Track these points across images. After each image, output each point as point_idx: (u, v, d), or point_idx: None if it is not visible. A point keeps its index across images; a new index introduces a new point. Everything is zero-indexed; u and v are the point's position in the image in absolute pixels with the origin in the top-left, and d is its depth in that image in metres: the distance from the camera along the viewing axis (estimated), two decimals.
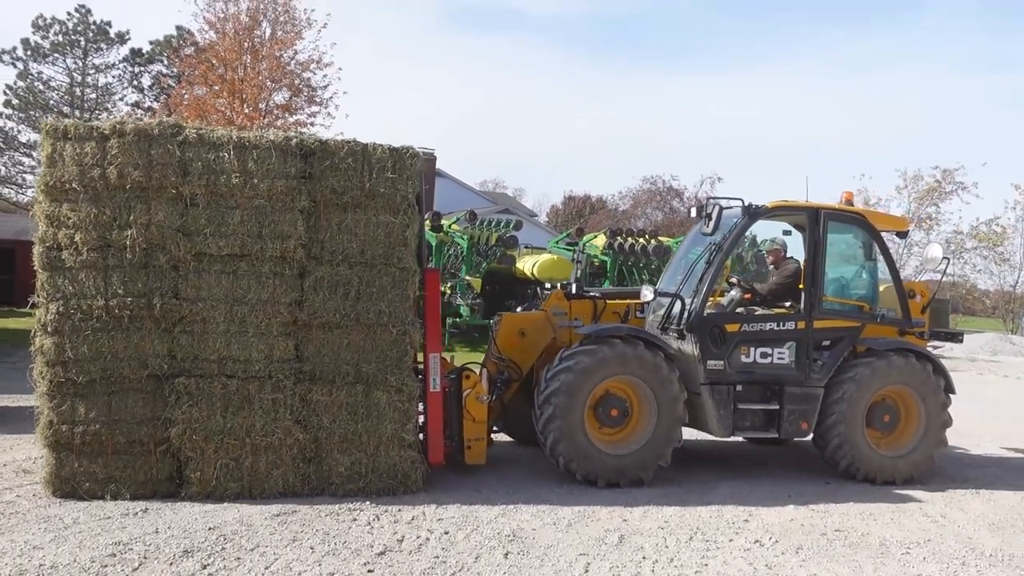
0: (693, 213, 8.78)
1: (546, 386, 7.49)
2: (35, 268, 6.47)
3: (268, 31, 28.39)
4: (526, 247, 26.94)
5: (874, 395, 8.17)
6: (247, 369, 6.71)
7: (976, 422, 13.00)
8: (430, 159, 40.70)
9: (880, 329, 8.49)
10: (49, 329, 6.49)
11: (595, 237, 25.06)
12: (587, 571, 5.51)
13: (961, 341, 10.11)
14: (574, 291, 8.54)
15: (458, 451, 7.65)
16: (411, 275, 6.95)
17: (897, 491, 8.09)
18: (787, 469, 8.88)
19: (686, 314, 7.88)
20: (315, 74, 28.51)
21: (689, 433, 9.26)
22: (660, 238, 23.80)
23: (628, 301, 8.61)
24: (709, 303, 8.15)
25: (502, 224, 24.39)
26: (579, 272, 8.93)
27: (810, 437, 8.42)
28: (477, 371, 7.90)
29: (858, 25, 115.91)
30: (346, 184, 6.71)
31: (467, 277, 22.01)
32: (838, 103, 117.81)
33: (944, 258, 9.15)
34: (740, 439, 10.13)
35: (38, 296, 6.51)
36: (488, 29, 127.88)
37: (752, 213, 8.15)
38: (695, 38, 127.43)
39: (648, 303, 8.39)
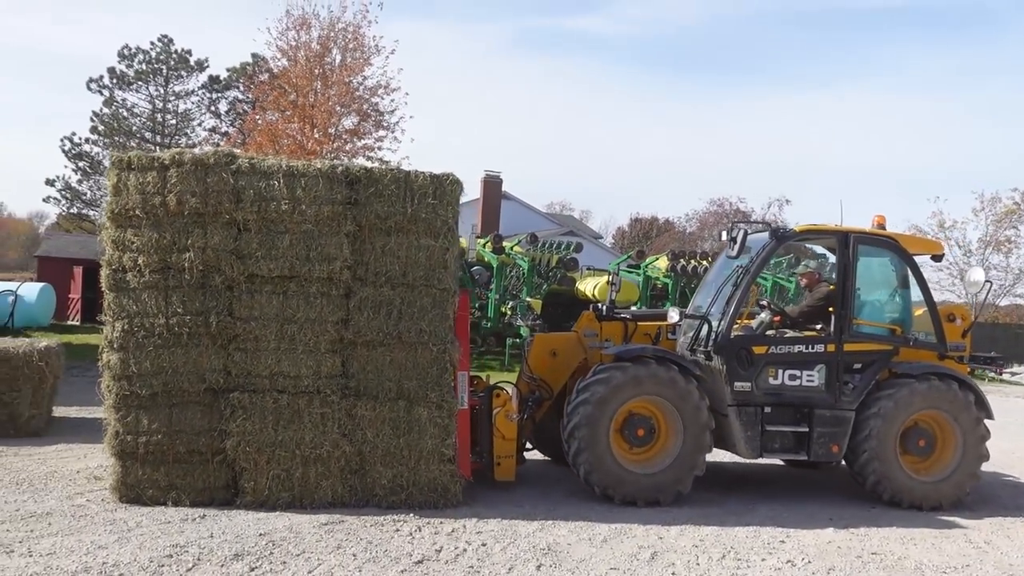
0: (724, 236, 8.89)
1: (574, 401, 7.67)
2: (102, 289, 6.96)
3: (338, 58, 29.16)
4: (588, 269, 27.10)
5: (907, 419, 8.10)
6: (297, 384, 7.07)
7: None
8: (496, 181, 41.23)
9: (918, 353, 8.44)
10: (115, 345, 6.97)
11: (657, 259, 25.10)
12: None
13: (1001, 367, 9.94)
14: (604, 313, 8.70)
15: (488, 468, 7.87)
16: (451, 296, 7.24)
17: (942, 517, 8.01)
18: (831, 493, 8.83)
19: (713, 336, 7.97)
20: (383, 99, 29.16)
21: (733, 457, 9.36)
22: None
23: (659, 323, 8.72)
24: (738, 325, 8.22)
25: (563, 246, 24.61)
26: (614, 295, 9.10)
27: (842, 461, 8.39)
28: (508, 390, 8.10)
29: (933, 44, 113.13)
30: (389, 209, 7.04)
31: (527, 298, 22.26)
32: (912, 122, 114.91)
33: (987, 281, 9.05)
34: (780, 463, 10.17)
35: (105, 315, 6.99)
36: (557, 51, 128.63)
37: (780, 237, 8.23)
38: (769, 59, 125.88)
39: (679, 325, 8.50)
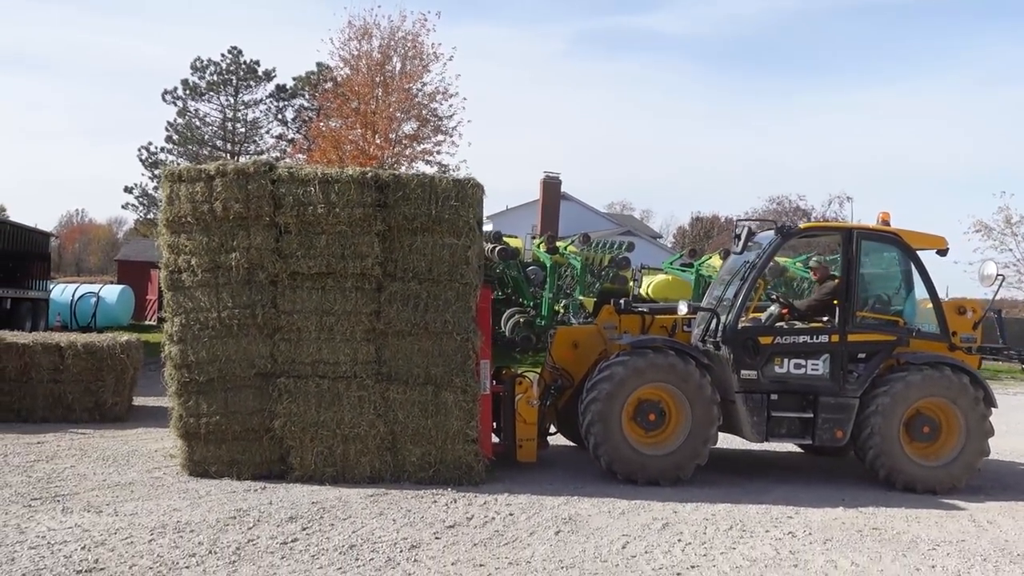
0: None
1: (587, 395, 8.23)
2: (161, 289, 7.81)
3: (398, 66, 30.05)
4: (643, 268, 27.47)
5: (910, 407, 8.44)
6: (336, 370, 7.83)
7: None
8: (555, 183, 41.77)
9: (927, 344, 8.76)
10: (175, 338, 7.84)
11: (710, 258, 25.36)
12: (624, 548, 6.23)
13: (1011, 358, 10.15)
14: (623, 307, 9.22)
15: (511, 450, 8.48)
16: (473, 290, 7.89)
17: (953, 499, 8.32)
18: (850, 478, 9.15)
19: (721, 327, 8.43)
20: (441, 105, 29.94)
21: (760, 445, 9.81)
22: (777, 259, 23.81)
23: (675, 316, 9.19)
24: (747, 317, 8.65)
25: (615, 246, 25.04)
26: (638, 290, 9.60)
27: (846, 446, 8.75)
28: (530, 378, 8.68)
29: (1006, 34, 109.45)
30: (416, 211, 7.73)
31: (580, 297, 22.77)
32: (981, 116, 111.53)
33: (999, 275, 9.28)
34: (801, 452, 10.54)
35: (165, 312, 7.84)
36: (617, 50, 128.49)
37: (784, 234, 8.66)
38: (836, 55, 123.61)
39: (693, 318, 8.97)
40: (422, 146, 29.79)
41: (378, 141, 29.16)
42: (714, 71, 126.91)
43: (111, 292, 24.51)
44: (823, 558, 6.21)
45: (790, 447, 10.79)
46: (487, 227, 42.39)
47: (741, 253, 8.63)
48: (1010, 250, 38.65)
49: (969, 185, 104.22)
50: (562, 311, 22.40)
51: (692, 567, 5.80)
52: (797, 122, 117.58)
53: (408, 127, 30.05)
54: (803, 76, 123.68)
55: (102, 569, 5.13)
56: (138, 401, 11.84)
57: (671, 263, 25.96)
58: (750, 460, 10.22)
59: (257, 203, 7.67)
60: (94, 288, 24.69)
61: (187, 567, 5.24)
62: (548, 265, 23.14)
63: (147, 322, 27.49)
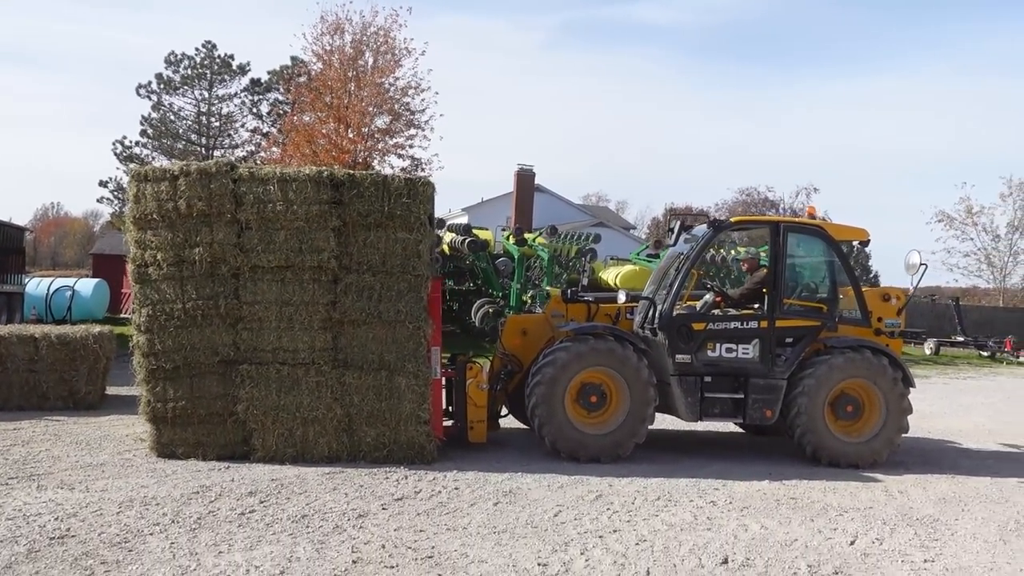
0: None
1: (531, 378, 8.81)
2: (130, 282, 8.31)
3: (371, 60, 30.40)
4: (611, 259, 28.07)
5: (834, 388, 9.08)
6: (295, 357, 8.35)
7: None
8: (529, 175, 42.22)
9: (852, 329, 9.40)
10: (142, 328, 8.34)
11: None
12: (556, 516, 6.78)
13: (922, 337, 10.84)
14: (570, 296, 9.81)
15: (463, 431, 9.05)
16: (424, 281, 8.43)
17: (873, 473, 8.96)
18: (782, 455, 9.76)
19: (657, 314, 9.03)
20: (413, 99, 30.35)
21: (705, 426, 10.46)
22: (740, 248, 24.51)
23: (620, 305, 9.77)
24: (682, 305, 9.25)
25: (582, 237, 25.64)
26: (586, 280, 10.17)
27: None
28: (480, 363, 9.25)
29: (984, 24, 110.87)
30: (369, 208, 8.25)
31: (547, 288, 23.35)
32: (945, 108, 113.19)
33: (922, 264, 9.93)
34: (740, 431, 11.20)
35: (133, 303, 8.34)
36: (600, 41, 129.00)
37: (716, 227, 9.25)
38: (811, 44, 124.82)
39: (636, 306, 9.57)
40: (394, 140, 30.22)
41: (351, 135, 29.52)
42: (694, 62, 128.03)
43: (86, 286, 24.79)
44: (736, 523, 6.81)
45: (732, 428, 11.46)
46: (461, 219, 43.05)
47: (674, 245, 9.23)
48: (971, 239, 39.71)
49: (932, 176, 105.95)
50: (530, 301, 22.98)
51: (614, 531, 6.38)
52: (772, 113, 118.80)
53: (381, 121, 30.45)
54: (780, 66, 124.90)
55: (73, 536, 5.65)
56: (111, 390, 12.30)
57: (638, 254, 26.60)
58: (694, 440, 10.86)
59: (219, 201, 8.16)
60: (69, 282, 24.96)
61: (151, 534, 5.77)
62: (516, 256, 23.73)
63: (122, 315, 27.78)
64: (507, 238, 24.69)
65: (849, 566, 5.80)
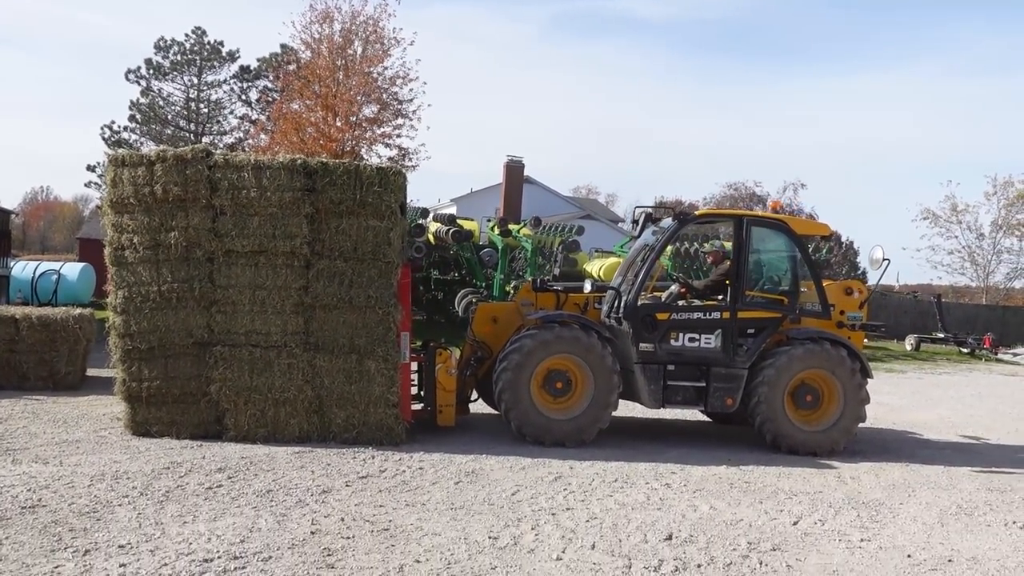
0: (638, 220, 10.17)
1: (499, 365, 9.05)
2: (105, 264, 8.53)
3: (359, 49, 30.54)
4: (596, 251, 28.32)
5: (793, 378, 9.33)
6: (267, 340, 8.58)
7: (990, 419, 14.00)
8: (518, 166, 42.44)
9: (813, 321, 9.67)
10: (118, 310, 8.56)
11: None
12: (514, 495, 7.05)
13: (882, 330, 11.12)
14: (539, 285, 10.06)
15: (432, 415, 9.30)
16: (394, 268, 8.65)
17: (831, 461, 9.21)
18: (744, 444, 9.98)
19: (622, 304, 9.28)
20: (401, 89, 30.50)
21: (672, 414, 10.72)
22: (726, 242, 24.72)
23: (588, 295, 10.01)
24: (647, 295, 9.50)
25: (565, 229, 25.89)
26: (558, 270, 10.40)
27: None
28: (449, 349, 9.49)
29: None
30: (342, 196, 8.47)
31: (530, 279, 23.60)
32: (932, 107, 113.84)
33: (885, 259, 10.19)
34: (707, 419, 11.47)
35: (109, 285, 8.56)
36: (592, 34, 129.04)
37: (681, 220, 9.50)
38: (803, 40, 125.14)
39: (603, 296, 9.82)
40: (382, 129, 30.36)
41: (339, 124, 29.65)
42: (686, 56, 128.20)
43: (72, 270, 24.91)
44: (686, 503, 7.08)
45: (700, 417, 11.73)
46: (450, 210, 43.17)
47: (638, 237, 9.47)
48: (955, 237, 40.11)
49: (917, 173, 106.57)
50: (512, 292, 23.22)
51: (567, 509, 6.64)
52: (762, 108, 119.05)
53: (368, 110, 30.56)
54: (771, 62, 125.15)
55: (44, 506, 5.88)
56: (92, 372, 12.49)
57: (622, 246, 26.86)
58: (660, 428, 11.13)
59: (195, 186, 8.37)
60: (55, 266, 25.09)
61: (119, 505, 6.00)
62: (500, 247, 23.97)
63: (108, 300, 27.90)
64: (492, 229, 24.96)
65: (788, 543, 6.07)
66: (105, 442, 8.24)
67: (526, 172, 43.40)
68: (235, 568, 4.87)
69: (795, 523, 6.65)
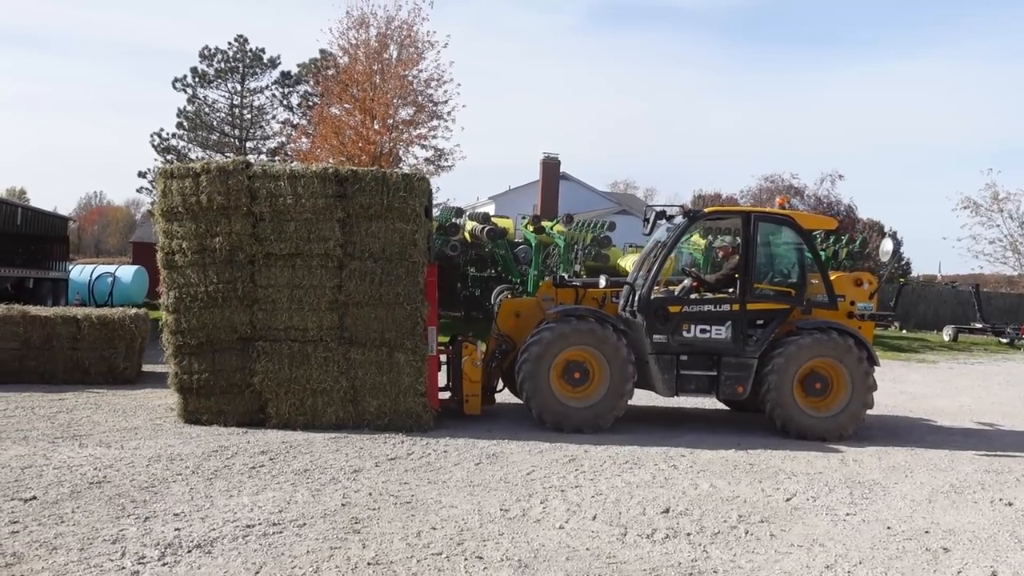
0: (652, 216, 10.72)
1: (520, 356, 9.68)
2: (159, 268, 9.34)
3: (395, 53, 31.36)
4: (630, 245, 28.81)
5: (802, 366, 9.81)
6: (304, 335, 9.30)
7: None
8: (554, 163, 43.01)
9: (821, 312, 10.13)
10: (170, 309, 9.36)
11: (692, 235, 26.62)
12: (529, 474, 7.66)
13: (889, 323, 11.51)
14: (559, 281, 10.67)
15: (459, 404, 9.96)
16: (420, 267, 9.32)
17: (839, 445, 9.65)
18: (758, 431, 10.45)
19: (636, 298, 9.84)
20: (436, 90, 31.25)
21: (690, 402, 11.24)
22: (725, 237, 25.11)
23: (605, 289, 10.59)
24: (661, 289, 10.04)
25: (597, 225, 26.43)
26: (578, 267, 10.98)
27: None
28: (474, 343, 10.12)
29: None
30: (370, 201, 9.16)
31: (563, 274, 24.21)
32: (975, 93, 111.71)
33: (895, 251, 10.61)
34: (725, 408, 11.98)
35: (161, 287, 9.37)
36: (627, 26, 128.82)
37: (692, 217, 10.03)
38: (850, 26, 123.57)
39: (619, 290, 10.39)
40: (418, 131, 31.14)
41: (376, 127, 30.47)
42: (725, 46, 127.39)
43: (126, 272, 26.11)
44: (688, 481, 7.65)
45: (718, 405, 12.25)
46: (488, 207, 43.78)
47: (649, 234, 10.04)
48: (997, 226, 39.79)
49: (958, 161, 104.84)
50: None
51: (576, 487, 7.25)
52: (803, 97, 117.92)
53: (405, 113, 31.33)
54: (809, 49, 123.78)
55: (109, 482, 6.65)
56: (147, 367, 13.39)
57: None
58: (677, 415, 11.67)
59: (236, 195, 9.13)
60: (110, 268, 26.30)
61: (174, 482, 6.76)
62: (534, 244, 24.59)
63: (161, 300, 29.06)
64: (526, 226, 25.60)
65: (777, 516, 6.61)
66: (160, 429, 9.03)
67: (563, 168, 43.99)
68: (273, 532, 5.56)
69: (788, 499, 7.17)
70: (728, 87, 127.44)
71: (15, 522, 5.55)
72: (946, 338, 32.78)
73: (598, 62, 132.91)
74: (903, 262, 56.67)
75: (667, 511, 6.60)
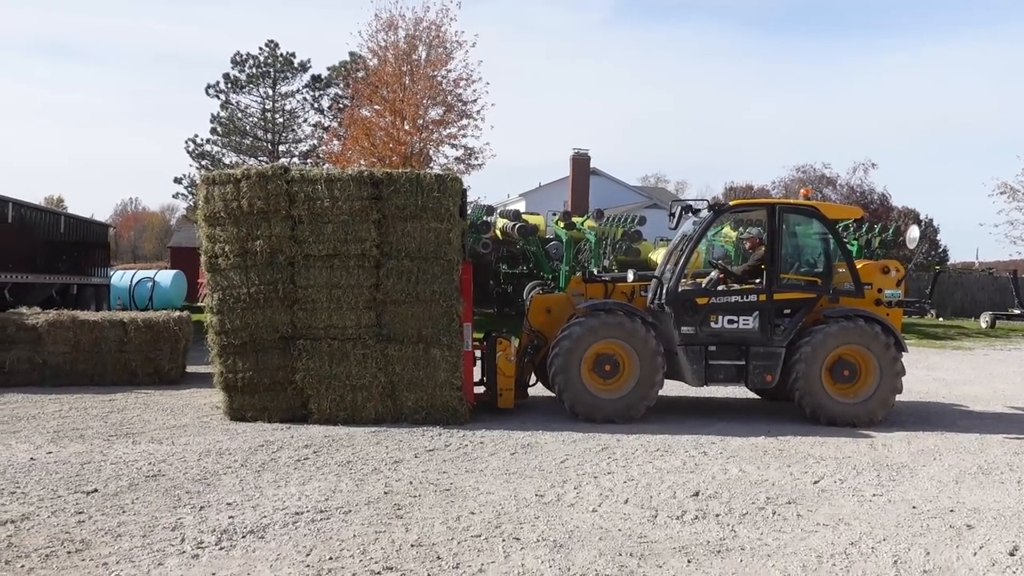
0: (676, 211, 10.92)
1: (552, 350, 9.93)
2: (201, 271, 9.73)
3: (423, 54, 31.72)
4: (661, 239, 28.93)
5: (830, 354, 9.96)
6: (343, 333, 9.63)
7: None
8: (584, 159, 43.21)
9: (848, 300, 10.26)
10: (214, 310, 9.74)
11: (722, 228, 26.80)
12: (563, 463, 7.91)
13: (924, 311, 11.60)
14: (588, 277, 10.90)
15: (493, 398, 10.25)
16: (455, 265, 9.61)
17: (869, 431, 9.80)
18: (789, 418, 10.61)
19: (664, 291, 10.05)
20: (465, 90, 31.57)
21: (722, 392, 11.45)
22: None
23: (634, 283, 10.80)
24: (688, 282, 10.23)
25: (627, 220, 26.58)
26: (607, 262, 11.19)
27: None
28: (508, 339, 10.38)
29: None
30: (405, 202, 9.47)
31: (594, 269, 24.42)
32: (1013, 75, 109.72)
33: (922, 238, 10.72)
34: (756, 397, 12.13)
35: (205, 289, 9.76)
36: (656, 20, 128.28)
37: (717, 210, 10.21)
38: (881, 12, 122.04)
39: (647, 284, 10.60)
40: (448, 131, 31.49)
41: (406, 128, 30.87)
42: (755, 36, 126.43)
43: (165, 277, 26.76)
44: (718, 467, 7.86)
45: (750, 395, 12.41)
46: (519, 204, 44.02)
47: (674, 228, 10.24)
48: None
49: (994, 147, 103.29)
50: None
51: (609, 473, 7.50)
52: (834, 86, 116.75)
53: (434, 113, 31.71)
54: (840, 36, 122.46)
55: (163, 475, 7.02)
56: (190, 368, 13.82)
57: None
58: (710, 405, 11.86)
59: (275, 200, 9.48)
60: (150, 273, 26.97)
61: (224, 474, 7.11)
62: (565, 240, 24.82)
63: (199, 303, 29.67)
64: (557, 222, 25.84)
65: (804, 498, 6.81)
66: (208, 426, 9.42)
67: (593, 164, 44.18)
68: (321, 518, 5.88)
69: (816, 482, 7.36)
70: (759, 78, 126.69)
71: (80, 512, 5.92)
72: (983, 325, 32.48)
73: (627, 56, 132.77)
74: (940, 249, 56.08)
75: (697, 494, 6.82)
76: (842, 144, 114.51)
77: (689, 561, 5.22)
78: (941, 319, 35.55)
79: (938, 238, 56.57)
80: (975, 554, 5.53)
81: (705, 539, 5.67)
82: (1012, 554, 5.53)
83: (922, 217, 52.72)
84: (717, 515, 6.25)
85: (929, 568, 5.23)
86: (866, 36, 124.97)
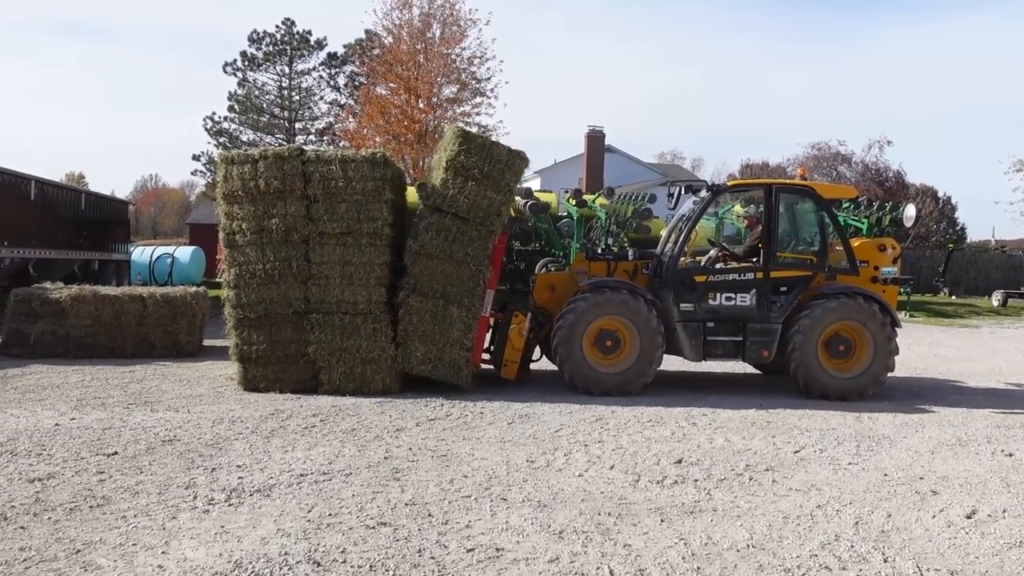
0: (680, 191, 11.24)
1: (556, 323, 10.32)
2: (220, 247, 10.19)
3: (438, 32, 31.98)
4: None
5: (826, 329, 10.28)
6: (355, 308, 10.06)
7: None
8: (598, 136, 43.30)
9: (844, 278, 10.56)
10: (231, 285, 10.21)
11: (733, 205, 26.98)
12: (557, 432, 8.32)
13: (909, 286, 11.86)
14: (592, 254, 11.25)
15: (497, 367, 10.68)
16: (494, 234, 10.15)
17: (857, 405, 10.10)
18: (781, 392, 10.96)
19: (663, 269, 10.39)
20: (479, 68, 31.84)
21: (712, 366, 11.75)
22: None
23: (635, 261, 11.14)
24: (687, 260, 10.57)
25: (638, 197, 26.79)
26: (611, 240, 11.53)
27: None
28: (524, 313, 10.76)
29: None
30: (472, 163, 9.94)
31: (600, 247, 24.72)
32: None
33: (918, 217, 10.98)
34: (756, 372, 12.47)
35: (223, 264, 10.22)
36: None
37: (715, 190, 10.52)
38: None
39: (647, 262, 10.95)
40: (461, 108, 31.83)
41: (421, 105, 31.20)
42: (774, 11, 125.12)
43: (184, 253, 27.34)
44: (704, 437, 8.25)
45: (749, 369, 12.75)
46: (534, 182, 44.32)
47: (673, 209, 10.57)
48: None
49: (1011, 123, 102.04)
50: None
51: (599, 442, 7.90)
52: (850, 61, 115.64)
53: (448, 91, 32.06)
54: (855, 9, 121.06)
55: (179, 440, 7.50)
56: (207, 342, 14.32)
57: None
58: (706, 379, 12.22)
59: (291, 180, 9.95)
60: (169, 250, 27.56)
61: (236, 440, 7.57)
62: (576, 217, 25.12)
63: (218, 279, 30.30)
64: (568, 200, 26.13)
65: (782, 466, 7.18)
66: (222, 396, 9.90)
67: (608, 141, 44.27)
68: (324, 480, 6.33)
69: (796, 451, 7.73)
70: (778, 53, 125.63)
71: (101, 472, 6.40)
72: (995, 303, 32.57)
73: (644, 31, 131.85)
74: (958, 227, 55.81)
75: (680, 461, 7.21)
76: (860, 120, 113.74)
77: (662, 520, 5.62)
78: (954, 297, 35.62)
79: (956, 216, 56.32)
80: (934, 516, 5.89)
81: (681, 501, 6.07)
82: (969, 517, 5.89)
83: (940, 195, 52.54)
84: (696, 480, 6.65)
85: (887, 529, 5.60)
86: (883, 10, 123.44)
